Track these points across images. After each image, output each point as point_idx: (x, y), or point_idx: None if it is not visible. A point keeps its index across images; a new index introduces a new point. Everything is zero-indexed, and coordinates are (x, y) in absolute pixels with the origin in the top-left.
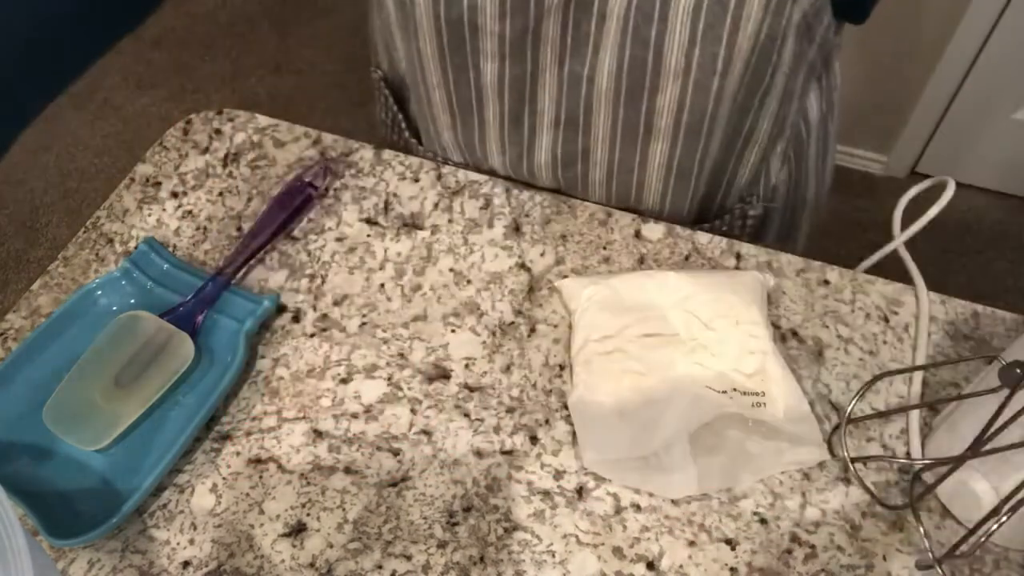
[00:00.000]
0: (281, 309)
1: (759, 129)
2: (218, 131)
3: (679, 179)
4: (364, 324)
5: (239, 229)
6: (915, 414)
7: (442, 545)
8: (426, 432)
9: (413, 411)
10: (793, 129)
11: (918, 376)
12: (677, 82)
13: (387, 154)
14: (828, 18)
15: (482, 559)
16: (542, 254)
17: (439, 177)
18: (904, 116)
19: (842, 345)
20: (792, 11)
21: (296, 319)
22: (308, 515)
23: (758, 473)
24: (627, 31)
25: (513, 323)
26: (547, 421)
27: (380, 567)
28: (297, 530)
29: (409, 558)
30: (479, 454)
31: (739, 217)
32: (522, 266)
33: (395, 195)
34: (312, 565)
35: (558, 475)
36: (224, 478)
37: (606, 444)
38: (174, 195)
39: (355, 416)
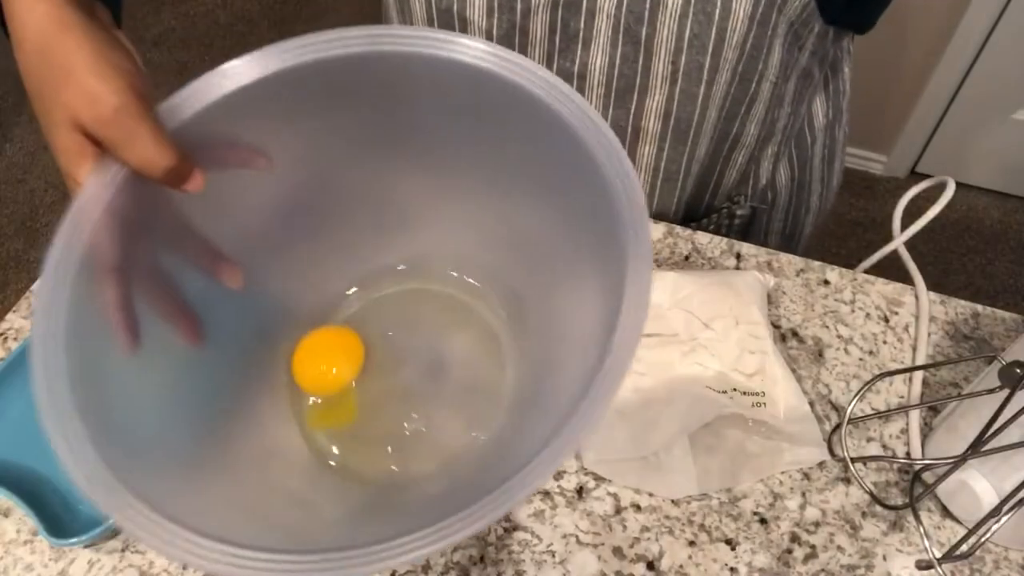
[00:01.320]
0: None
1: (746, 134)
2: None
3: (666, 182)
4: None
5: None
6: (915, 414)
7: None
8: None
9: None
10: (798, 134)
11: (918, 376)
12: (665, 87)
13: None
14: (819, 26)
15: (482, 559)
16: None
17: None
18: (904, 116)
19: (842, 345)
20: (778, 21)
21: None
22: None
23: (758, 473)
24: (619, 29)
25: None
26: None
27: None
28: None
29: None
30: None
31: (726, 217)
32: None
33: None
34: None
35: (558, 475)
36: None
37: (606, 444)
38: None
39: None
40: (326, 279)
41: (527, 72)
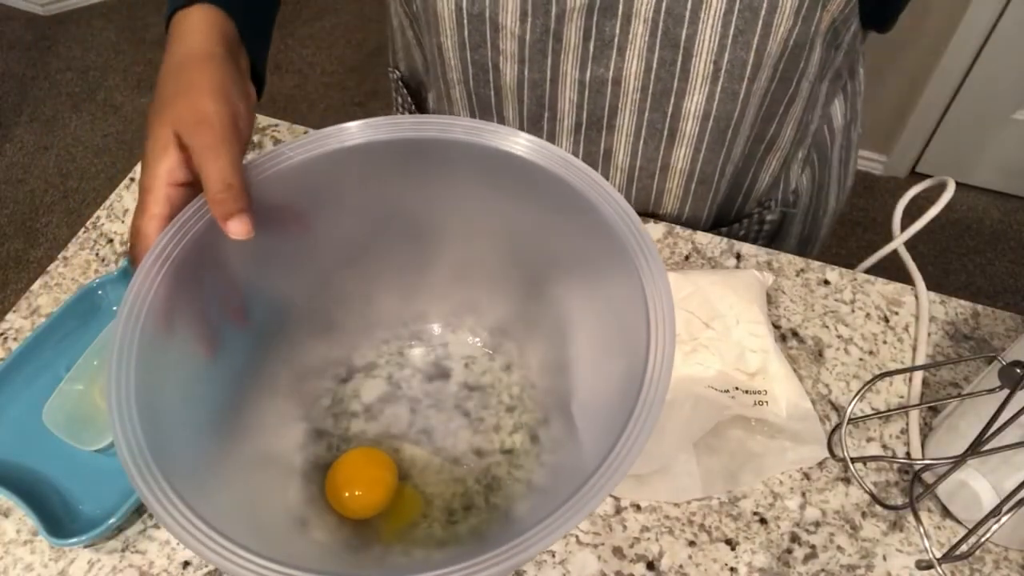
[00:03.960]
0: None
1: (783, 136)
2: None
3: (700, 184)
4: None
5: None
6: (915, 414)
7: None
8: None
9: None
10: (817, 135)
11: (918, 376)
12: (705, 86)
13: None
14: (855, 25)
15: None
16: None
17: None
18: (904, 116)
19: (842, 345)
20: (821, 17)
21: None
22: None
23: (761, 473)
24: (656, 33)
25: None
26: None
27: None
28: None
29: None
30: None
31: (756, 222)
32: None
33: None
34: None
35: None
36: None
37: None
38: None
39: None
40: (341, 320)
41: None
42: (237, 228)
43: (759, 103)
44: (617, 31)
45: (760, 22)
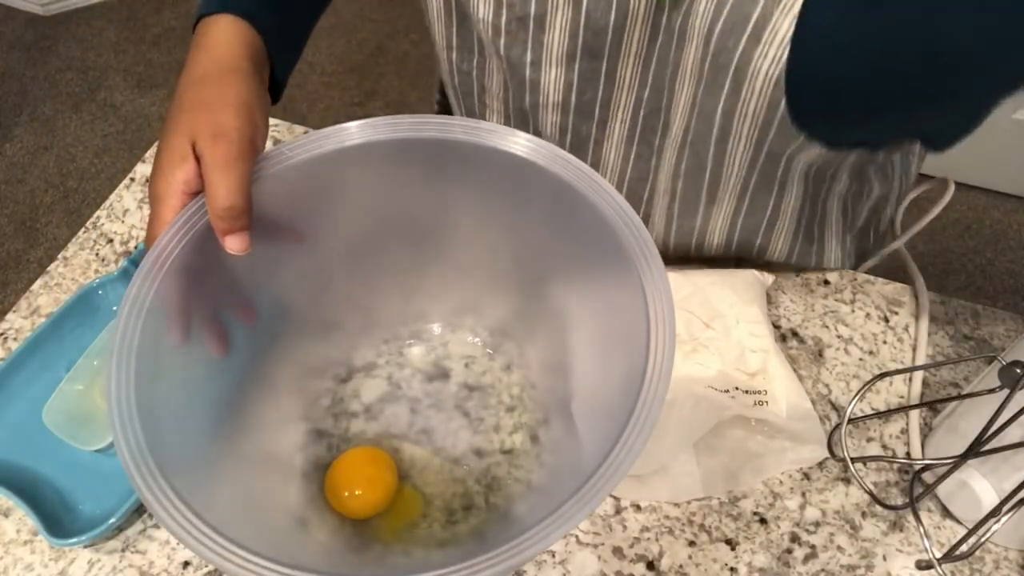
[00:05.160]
0: None
1: (773, 249)
2: None
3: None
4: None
5: None
6: (915, 414)
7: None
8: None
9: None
10: (860, 231)
11: (918, 376)
12: (665, 198)
13: None
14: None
15: None
16: None
17: None
18: None
19: (842, 345)
20: (790, 166)
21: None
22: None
23: (762, 473)
24: (634, 137)
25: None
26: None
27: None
28: None
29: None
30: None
31: None
32: None
33: None
34: None
35: None
36: None
37: None
38: None
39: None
40: (340, 315)
41: (539, 148)
42: (234, 245)
43: (729, 223)
44: (593, 130)
45: (708, 172)
